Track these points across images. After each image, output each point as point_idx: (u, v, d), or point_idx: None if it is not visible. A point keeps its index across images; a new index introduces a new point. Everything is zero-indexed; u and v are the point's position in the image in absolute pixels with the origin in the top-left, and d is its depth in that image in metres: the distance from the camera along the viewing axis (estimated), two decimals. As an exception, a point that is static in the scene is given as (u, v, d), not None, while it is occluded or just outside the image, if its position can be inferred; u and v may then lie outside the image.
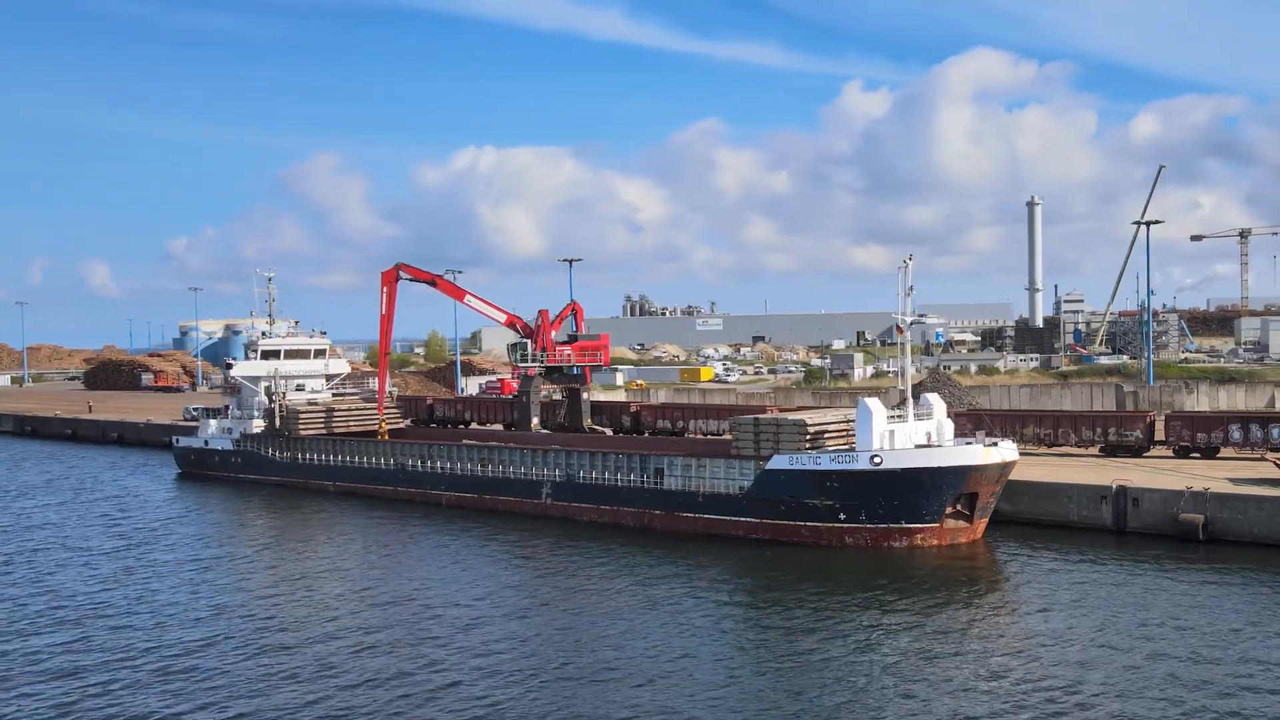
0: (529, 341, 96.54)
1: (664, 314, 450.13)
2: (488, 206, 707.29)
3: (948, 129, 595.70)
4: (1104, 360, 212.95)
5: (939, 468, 59.10)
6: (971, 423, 75.49)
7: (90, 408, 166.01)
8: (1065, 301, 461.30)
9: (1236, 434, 70.78)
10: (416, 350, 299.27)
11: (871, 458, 59.72)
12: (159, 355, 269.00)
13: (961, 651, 42.26)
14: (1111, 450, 75.35)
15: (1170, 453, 74.04)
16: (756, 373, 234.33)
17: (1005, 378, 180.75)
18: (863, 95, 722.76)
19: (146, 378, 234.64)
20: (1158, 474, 66.79)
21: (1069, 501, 63.61)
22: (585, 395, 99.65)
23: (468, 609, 50.08)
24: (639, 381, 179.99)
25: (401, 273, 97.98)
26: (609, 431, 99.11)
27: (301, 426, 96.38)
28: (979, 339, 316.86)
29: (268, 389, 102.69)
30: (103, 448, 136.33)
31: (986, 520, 61.92)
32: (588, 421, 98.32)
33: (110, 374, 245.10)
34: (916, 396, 67.34)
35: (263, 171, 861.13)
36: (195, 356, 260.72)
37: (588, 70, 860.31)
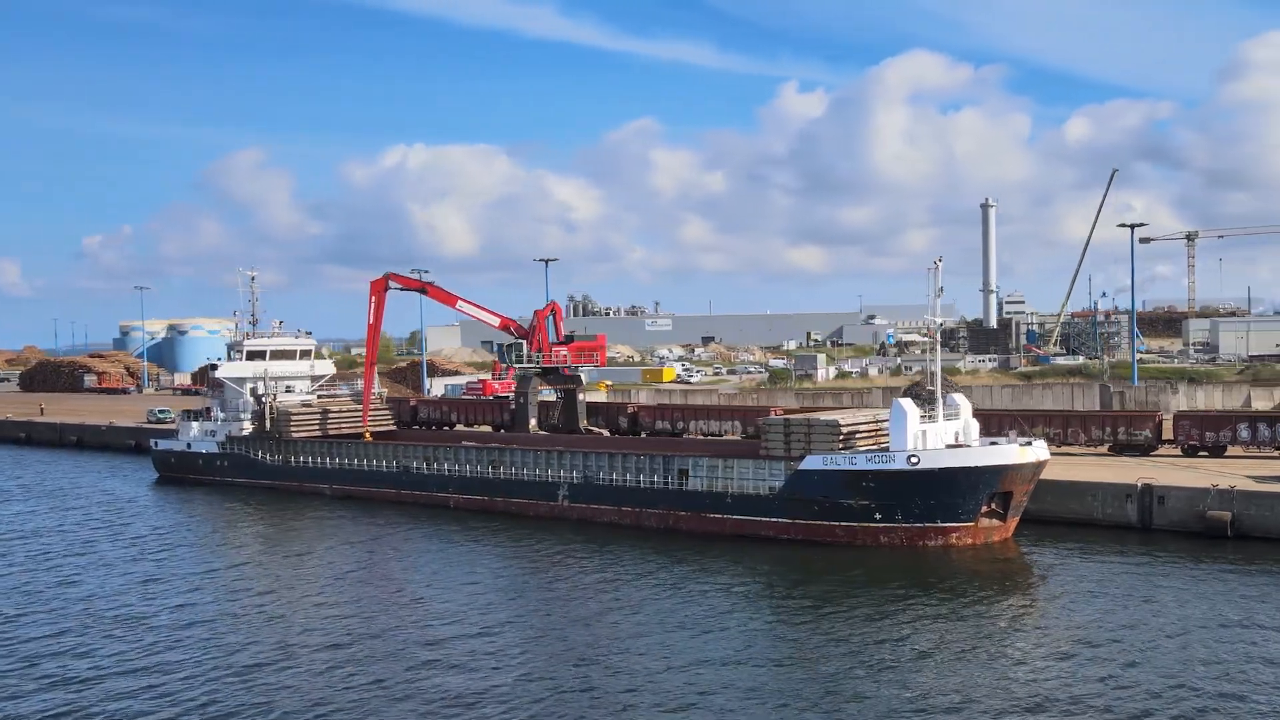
0: (524, 342, 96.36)
1: (607, 314, 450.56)
2: (418, 205, 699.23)
3: (884, 130, 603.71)
4: (1061, 360, 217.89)
5: (975, 467, 60.20)
6: (981, 422, 76.71)
7: (42, 410, 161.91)
8: (1007, 303, 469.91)
9: (1245, 433, 73.06)
10: (355, 351, 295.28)
11: (908, 458, 60.62)
12: (100, 356, 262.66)
13: (1018, 648, 43.06)
14: (1120, 449, 77.25)
15: (1179, 451, 76.08)
16: (715, 373, 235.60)
17: (968, 378, 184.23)
18: (799, 96, 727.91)
19: (89, 379, 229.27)
20: (1175, 472, 68.63)
21: (1093, 500, 65.12)
22: (581, 396, 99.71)
23: (506, 616, 49.97)
24: (606, 382, 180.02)
25: (391, 282, 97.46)
26: (606, 433, 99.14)
27: (294, 428, 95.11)
28: (923, 339, 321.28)
29: (253, 390, 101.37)
30: (61, 452, 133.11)
31: (1018, 519, 63.19)
32: (584, 423, 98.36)
33: (49, 375, 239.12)
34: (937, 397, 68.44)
35: (182, 167, 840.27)
36: (140, 357, 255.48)
37: (521, 68, 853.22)
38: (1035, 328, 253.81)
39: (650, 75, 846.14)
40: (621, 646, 44.05)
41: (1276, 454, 72.97)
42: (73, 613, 51.53)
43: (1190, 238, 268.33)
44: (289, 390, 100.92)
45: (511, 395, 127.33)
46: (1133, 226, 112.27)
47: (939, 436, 63.83)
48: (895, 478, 60.87)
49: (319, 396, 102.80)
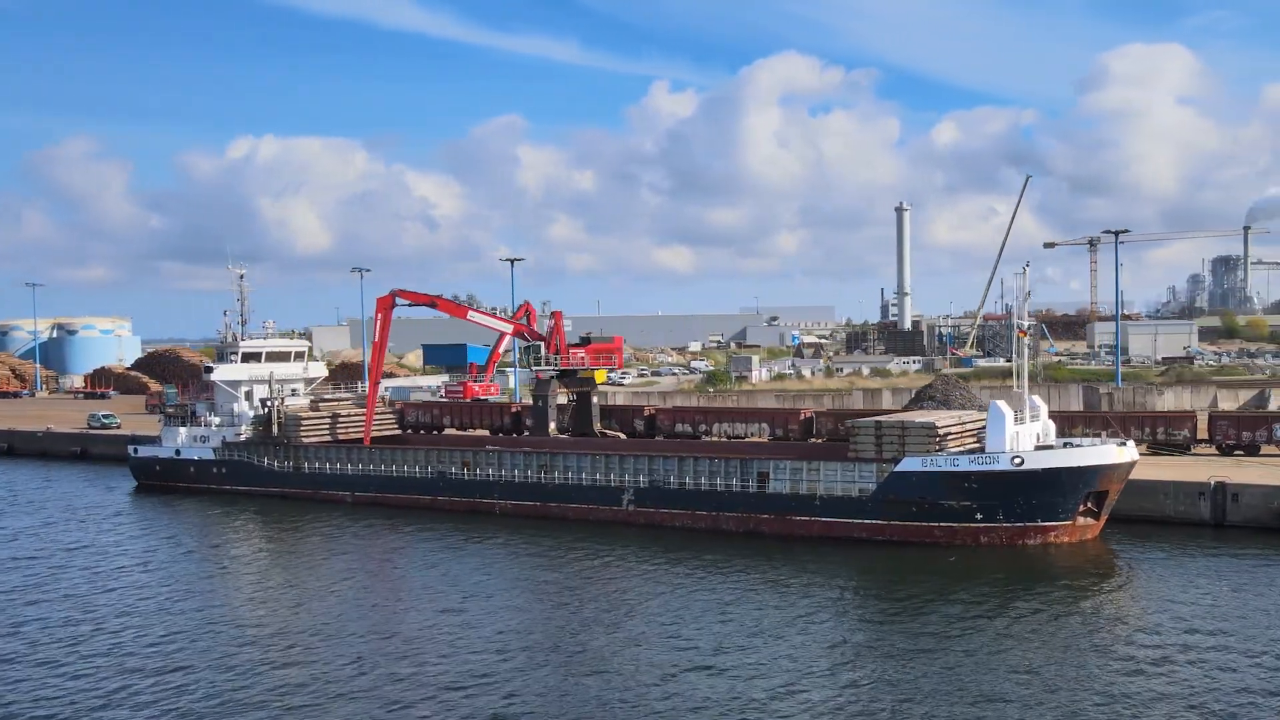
0: (542, 345, 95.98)
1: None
2: (268, 199, 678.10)
3: (755, 131, 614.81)
4: (983, 363, 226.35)
5: (1078, 467, 62.85)
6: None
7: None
8: (892, 306, 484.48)
9: (1280, 432, 77.94)
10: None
11: (1013, 459, 62.87)
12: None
13: (1147, 640, 45.51)
14: (1158, 449, 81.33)
15: (1215, 451, 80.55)
16: (641, 375, 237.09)
17: (904, 379, 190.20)
18: (670, 96, 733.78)
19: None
20: (1230, 469, 72.65)
21: (1165, 498, 68.59)
22: (595, 399, 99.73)
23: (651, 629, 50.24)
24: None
25: (398, 299, 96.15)
26: (622, 435, 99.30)
27: (304, 433, 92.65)
28: (825, 341, 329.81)
29: (247, 393, 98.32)
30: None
31: (1106, 517, 66.14)
32: (597, 425, 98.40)
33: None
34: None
35: (3, 155, 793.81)
36: (27, 358, 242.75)
37: (378, 59, 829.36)
38: (951, 331, 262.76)
39: (515, 71, 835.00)
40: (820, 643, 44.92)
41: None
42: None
43: (1093, 243, 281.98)
44: (294, 393, 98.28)
45: (492, 398, 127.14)
46: (1117, 234, 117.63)
47: (1027, 438, 66.32)
48: (999, 478, 63.05)
49: (324, 400, 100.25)
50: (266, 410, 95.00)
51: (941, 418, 68.89)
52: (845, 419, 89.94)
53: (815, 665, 42.77)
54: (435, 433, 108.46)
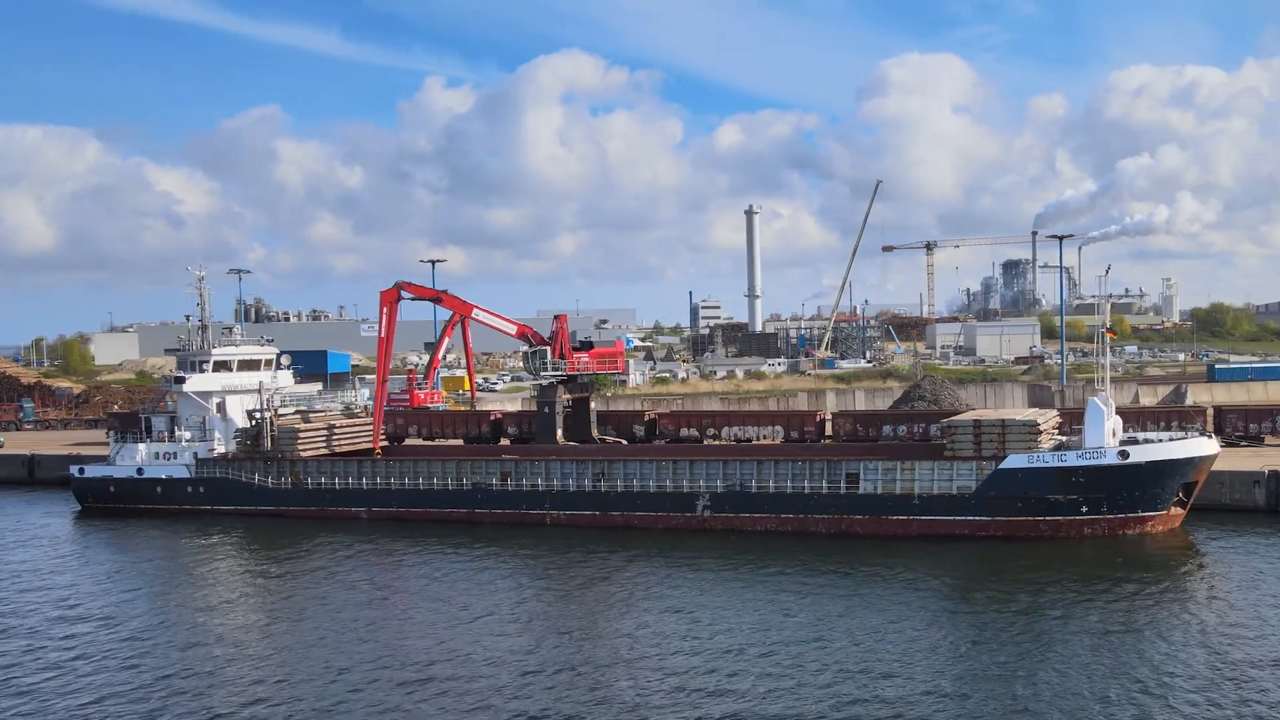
0: (548, 350, 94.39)
1: (286, 319, 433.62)
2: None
3: (535, 130, 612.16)
4: (845, 364, 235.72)
5: (1177, 459, 67.43)
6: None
7: None
8: (703, 307, 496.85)
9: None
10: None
11: (1119, 452, 66.79)
12: None
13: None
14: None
15: (1222, 442, 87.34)
16: (516, 380, 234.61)
17: (789, 381, 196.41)
18: (446, 92, 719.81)
19: None
20: (1250, 459, 79.35)
21: (1221, 486, 74.33)
22: (592, 404, 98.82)
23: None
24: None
25: (403, 291, 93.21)
26: (624, 441, 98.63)
27: (301, 447, 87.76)
28: (675, 343, 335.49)
29: (219, 405, 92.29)
30: None
31: (1189, 506, 71.08)
32: (594, 431, 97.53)
33: None
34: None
35: None
36: None
37: (111, 41, 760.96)
38: (805, 333, 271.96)
39: (272, 61, 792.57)
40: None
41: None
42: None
43: (930, 247, 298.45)
44: (285, 403, 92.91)
45: (439, 407, 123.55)
46: (1046, 233, 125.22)
47: (1113, 433, 70.53)
48: (1105, 472, 66.84)
49: (313, 411, 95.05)
50: (255, 423, 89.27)
51: (1034, 415, 72.25)
52: (863, 421, 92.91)
53: (1031, 648, 44.65)
54: (397, 443, 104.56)
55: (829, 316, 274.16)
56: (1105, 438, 68.18)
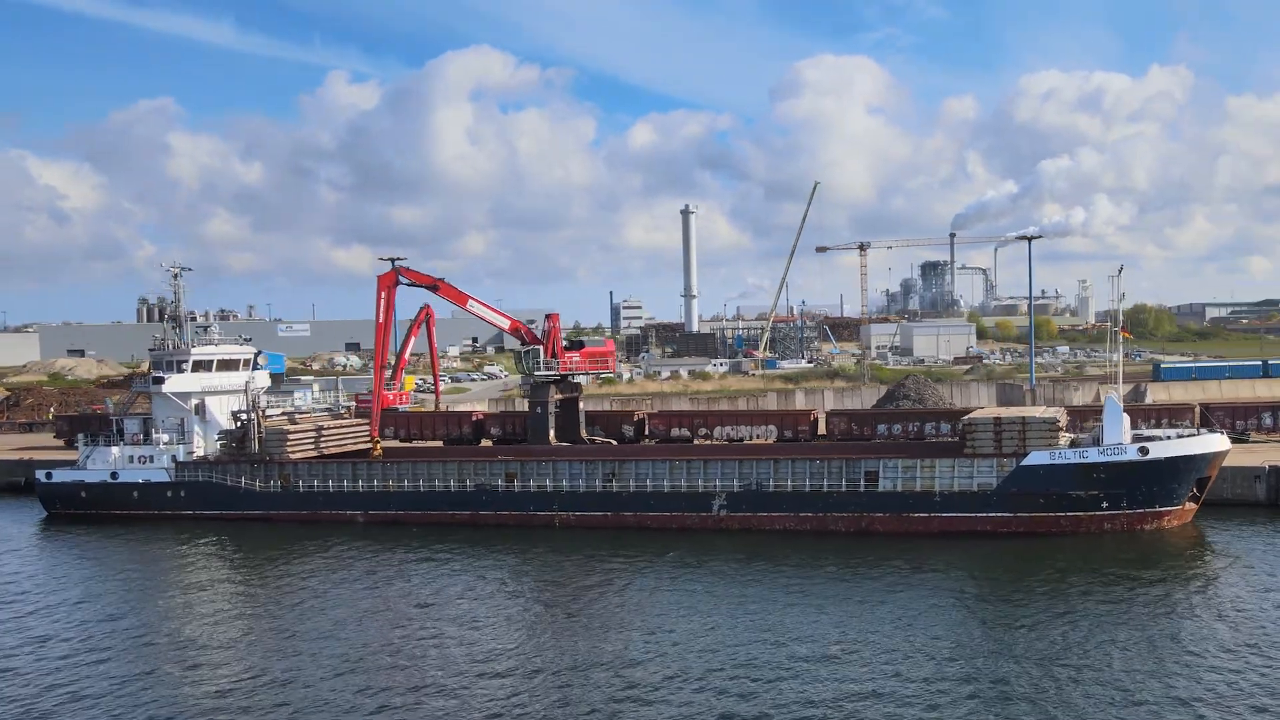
0: (540, 349, 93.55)
1: (193, 318, 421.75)
2: None
3: (443, 127, 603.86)
4: (787, 364, 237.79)
5: (1194, 455, 69.23)
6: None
7: None
8: (625, 308, 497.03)
9: (1268, 420, 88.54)
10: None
11: (1140, 449, 68.37)
12: None
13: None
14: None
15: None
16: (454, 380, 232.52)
17: (736, 381, 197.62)
18: (350, 87, 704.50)
19: None
20: (1242, 454, 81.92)
21: (1223, 481, 76.42)
22: (581, 405, 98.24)
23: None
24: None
25: (401, 277, 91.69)
26: (613, 442, 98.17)
27: (291, 449, 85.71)
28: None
29: (197, 406, 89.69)
30: None
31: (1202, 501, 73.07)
32: (583, 431, 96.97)
33: None
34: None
35: None
36: None
37: None
38: (743, 333, 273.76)
39: (165, 52, 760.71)
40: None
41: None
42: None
43: (863, 248, 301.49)
44: (282, 405, 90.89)
45: (403, 408, 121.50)
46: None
47: (1126, 431, 72.19)
48: (1126, 468, 68.37)
49: (299, 412, 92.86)
50: (241, 424, 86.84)
51: (1054, 413, 73.59)
52: (858, 420, 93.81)
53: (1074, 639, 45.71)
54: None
55: (768, 317, 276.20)
56: (1124, 434, 69.75)
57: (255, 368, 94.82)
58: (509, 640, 50.13)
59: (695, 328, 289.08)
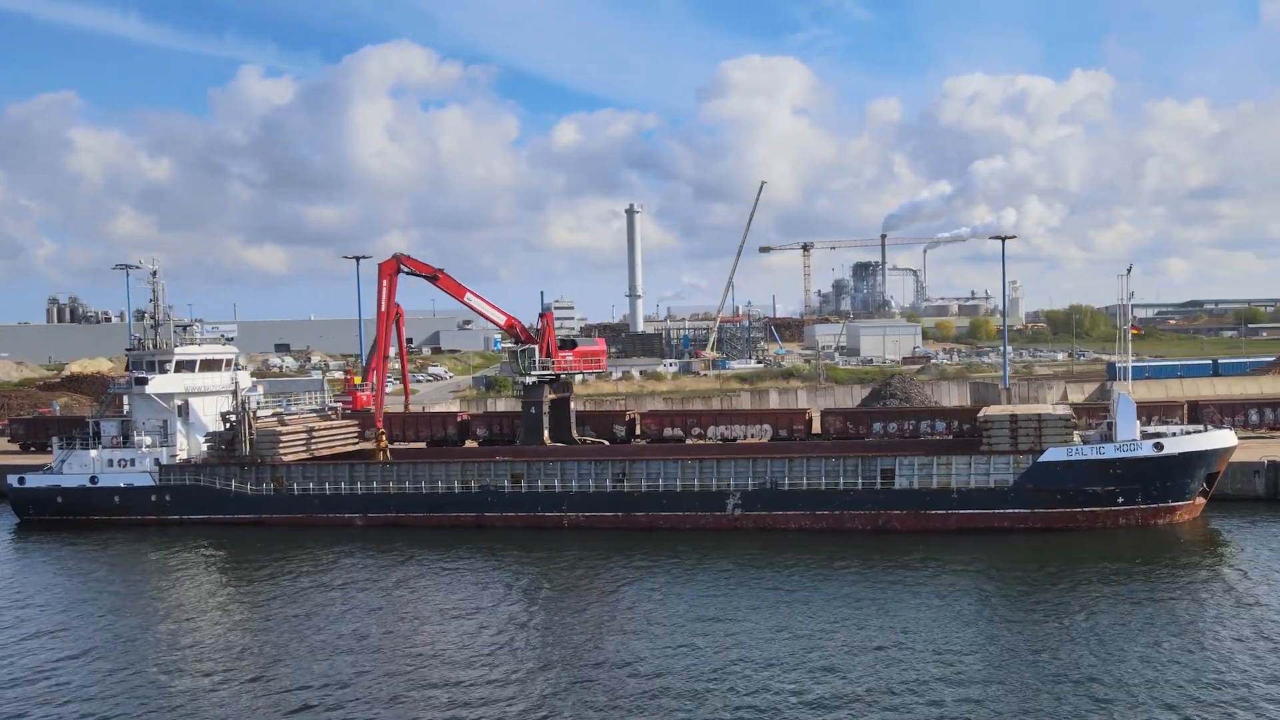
0: (534, 349, 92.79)
1: (108, 319, 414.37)
2: None
3: (362, 123, 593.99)
4: (737, 364, 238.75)
5: (1206, 450, 70.90)
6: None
7: None
8: (557, 308, 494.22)
9: (1255, 416, 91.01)
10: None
11: (1155, 444, 69.79)
12: None
13: None
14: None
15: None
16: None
17: (691, 381, 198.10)
18: (263, 81, 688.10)
19: None
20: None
21: (1223, 476, 78.22)
22: (572, 404, 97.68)
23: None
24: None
25: (402, 265, 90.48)
26: (605, 442, 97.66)
27: (284, 450, 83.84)
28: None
29: (180, 407, 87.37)
30: None
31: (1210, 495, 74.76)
32: (574, 431, 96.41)
33: None
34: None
35: None
36: None
37: None
38: (688, 334, 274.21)
39: (65, 44, 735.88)
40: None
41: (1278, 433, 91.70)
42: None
43: (806, 248, 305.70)
44: (270, 407, 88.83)
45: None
46: (1003, 239, 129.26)
47: (1137, 427, 73.65)
48: (1141, 464, 69.76)
49: (289, 413, 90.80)
50: (230, 425, 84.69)
51: (1067, 410, 74.77)
52: (853, 419, 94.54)
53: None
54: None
55: (714, 316, 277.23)
56: (1136, 430, 71.14)
57: (237, 368, 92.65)
58: (532, 642, 49.71)
59: (640, 328, 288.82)
